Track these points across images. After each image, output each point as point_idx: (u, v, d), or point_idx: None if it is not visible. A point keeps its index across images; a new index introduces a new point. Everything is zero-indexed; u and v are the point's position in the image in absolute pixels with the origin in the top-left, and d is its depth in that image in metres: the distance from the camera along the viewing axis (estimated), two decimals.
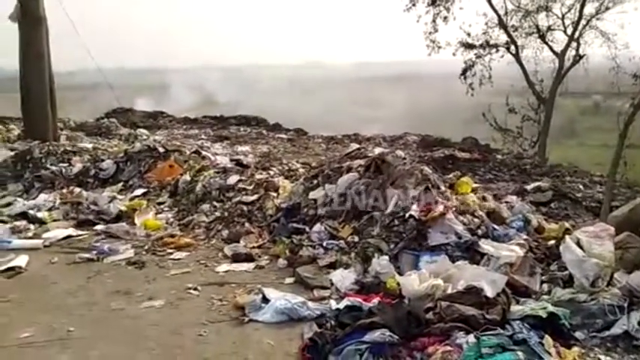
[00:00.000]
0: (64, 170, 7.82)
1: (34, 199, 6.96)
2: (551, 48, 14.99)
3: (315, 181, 5.91)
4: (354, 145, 7.45)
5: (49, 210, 6.50)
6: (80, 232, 5.84)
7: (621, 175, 9.72)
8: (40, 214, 6.30)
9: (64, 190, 7.05)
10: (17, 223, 6.05)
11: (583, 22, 14.45)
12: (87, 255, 5.11)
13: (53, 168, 7.90)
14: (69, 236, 5.71)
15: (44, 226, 6.06)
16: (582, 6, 14.28)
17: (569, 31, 14.67)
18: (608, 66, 13.94)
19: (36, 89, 9.79)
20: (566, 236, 4.16)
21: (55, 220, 6.23)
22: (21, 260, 4.91)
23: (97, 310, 4.01)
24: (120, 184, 7.42)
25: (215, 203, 6.33)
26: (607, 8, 14.15)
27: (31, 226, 6.02)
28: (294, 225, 5.40)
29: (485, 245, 4.38)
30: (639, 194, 7.89)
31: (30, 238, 5.71)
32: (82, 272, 4.77)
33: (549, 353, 2.94)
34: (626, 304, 3.45)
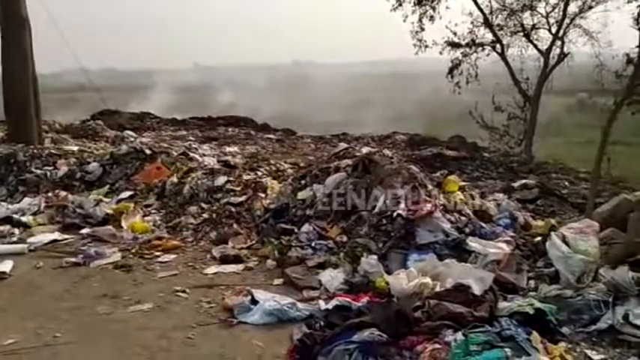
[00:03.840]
0: (49, 174, 7.70)
1: (18, 202, 6.85)
2: (536, 46, 15.08)
3: (304, 182, 5.90)
4: (343, 145, 7.44)
5: (34, 214, 6.42)
6: (66, 236, 5.76)
7: (605, 172, 9.81)
8: (24, 219, 6.20)
9: (49, 194, 6.95)
10: (1, 227, 5.95)
11: (567, 20, 14.56)
12: (73, 259, 5.06)
13: (38, 171, 7.76)
14: (54, 240, 5.63)
15: (29, 230, 5.96)
16: (566, 5, 14.38)
17: (554, 29, 14.78)
18: (593, 64, 14.06)
19: (19, 91, 9.62)
20: (552, 233, 4.21)
21: (40, 225, 6.14)
22: (5, 265, 4.83)
23: (84, 314, 3.97)
24: (106, 187, 7.31)
25: (203, 205, 6.29)
26: (590, 7, 14.28)
27: (16, 231, 5.92)
28: (283, 226, 5.39)
29: (473, 243, 4.42)
30: (623, 190, 7.98)
31: (14, 242, 5.62)
32: (69, 277, 4.71)
33: (537, 349, 2.96)
34: (611, 299, 3.51)
